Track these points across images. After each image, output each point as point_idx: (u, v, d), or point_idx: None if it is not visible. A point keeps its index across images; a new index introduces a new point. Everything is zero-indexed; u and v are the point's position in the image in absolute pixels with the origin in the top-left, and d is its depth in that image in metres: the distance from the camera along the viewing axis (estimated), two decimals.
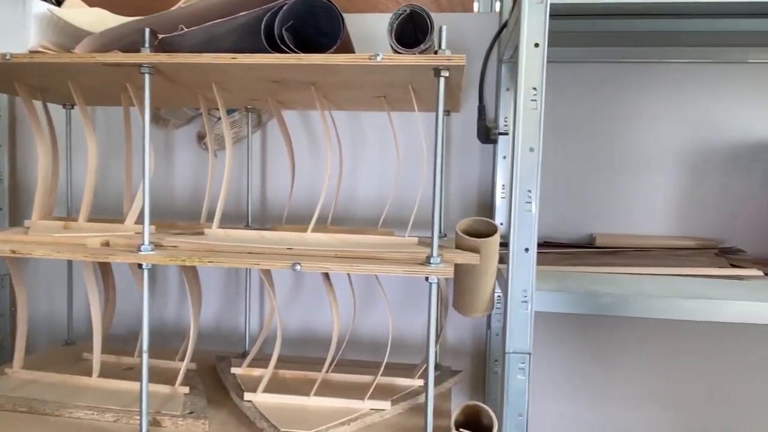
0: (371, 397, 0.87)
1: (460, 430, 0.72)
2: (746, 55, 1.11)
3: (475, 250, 0.77)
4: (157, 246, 0.78)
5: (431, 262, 0.71)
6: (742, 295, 0.83)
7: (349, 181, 1.21)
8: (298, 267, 0.70)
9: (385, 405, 0.87)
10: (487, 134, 1.07)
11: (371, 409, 0.86)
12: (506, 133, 1.07)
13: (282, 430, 0.78)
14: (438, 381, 1.00)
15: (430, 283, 0.71)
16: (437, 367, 1.10)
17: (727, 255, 1.06)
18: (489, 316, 1.19)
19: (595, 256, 1.03)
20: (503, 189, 1.16)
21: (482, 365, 1.24)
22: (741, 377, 1.15)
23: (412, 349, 1.22)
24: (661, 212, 1.16)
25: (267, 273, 0.91)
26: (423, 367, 0.97)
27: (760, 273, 0.94)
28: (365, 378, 0.97)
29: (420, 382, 0.97)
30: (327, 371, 0.96)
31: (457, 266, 0.83)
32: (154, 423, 0.82)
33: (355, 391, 0.89)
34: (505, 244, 0.84)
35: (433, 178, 0.72)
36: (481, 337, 1.24)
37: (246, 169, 1.17)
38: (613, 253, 1.04)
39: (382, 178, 1.20)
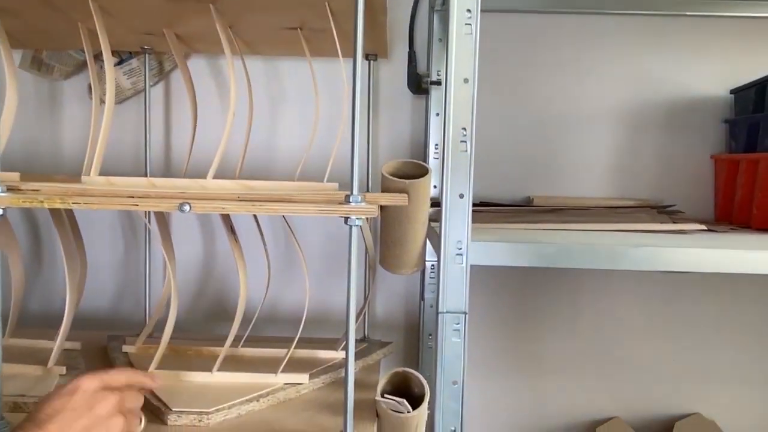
0: (286, 371, 0.75)
1: (386, 396, 0.62)
2: (685, 6, 1.06)
3: (403, 192, 0.67)
4: (13, 189, 0.63)
5: (351, 201, 0.60)
6: (690, 245, 0.77)
7: (267, 136, 1.08)
8: (186, 207, 0.58)
9: (303, 378, 0.75)
10: (418, 83, 0.97)
11: (286, 384, 0.74)
12: (439, 83, 0.98)
13: (174, 409, 0.65)
14: (365, 353, 0.89)
15: (351, 227, 0.60)
16: (365, 339, 1.00)
17: (667, 214, 1.01)
18: (422, 287, 1.10)
19: (534, 214, 0.96)
20: (436, 149, 1.07)
21: (416, 340, 1.14)
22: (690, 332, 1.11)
23: (336, 324, 1.11)
24: (600, 173, 1.10)
25: (165, 235, 0.77)
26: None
27: (704, 227, 0.88)
28: (281, 352, 0.85)
29: (343, 355, 0.86)
30: (236, 345, 0.84)
31: (383, 215, 0.73)
32: (15, 408, 0.67)
33: (269, 367, 0.77)
34: (436, 204, 0.75)
35: (352, 94, 0.61)
36: (414, 310, 1.14)
37: (144, 122, 1.02)
38: (552, 212, 0.97)
39: (304, 133, 1.08)
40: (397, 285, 1.13)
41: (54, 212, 0.75)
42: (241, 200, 0.60)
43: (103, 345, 0.91)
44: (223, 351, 0.74)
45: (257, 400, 0.69)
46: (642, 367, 1.11)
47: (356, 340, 0.93)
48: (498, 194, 1.08)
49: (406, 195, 0.63)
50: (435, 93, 1.03)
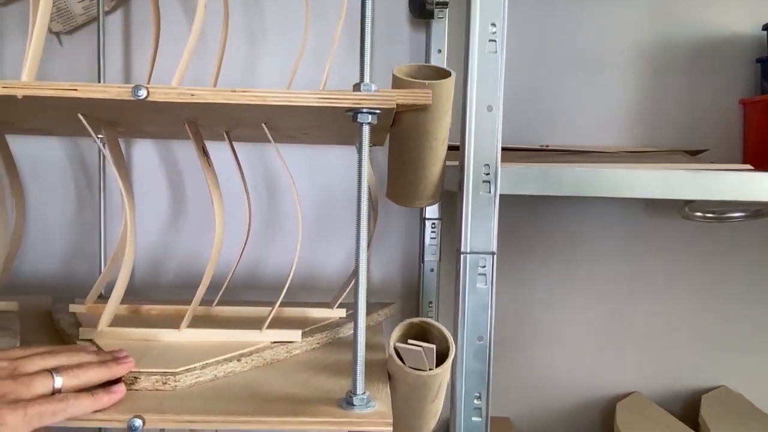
0: (273, 327, 0.61)
1: (411, 342, 0.48)
2: None
3: None
4: None
5: (362, 88, 0.46)
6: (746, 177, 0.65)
7: (244, 76, 0.93)
8: (143, 92, 0.43)
9: (294, 336, 0.61)
10: (422, 4, 0.84)
11: (273, 343, 0.60)
12: (445, 4, 0.85)
13: (130, 370, 0.51)
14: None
15: (361, 124, 0.46)
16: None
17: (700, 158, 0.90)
18: (422, 248, 0.96)
19: (557, 155, 0.84)
20: None
21: (414, 308, 1.00)
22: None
23: (325, 291, 0.97)
24: (618, 121, 0.98)
25: (120, 162, 0.62)
26: (344, 293, 0.72)
27: (750, 167, 0.77)
28: (264, 311, 0.71)
29: (340, 313, 0.72)
30: (209, 305, 0.69)
31: (394, 132, 0.59)
32: None
33: (251, 326, 0.63)
34: (454, 147, 0.62)
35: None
36: (412, 274, 1.01)
37: (98, 55, 0.86)
38: (577, 153, 0.84)
39: (285, 71, 0.93)
40: (394, 246, 1.00)
41: None
42: (217, 91, 0.46)
43: (47, 309, 0.75)
44: (193, 303, 0.60)
45: (238, 360, 0.55)
46: (662, 338, 1.00)
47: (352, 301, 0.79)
48: (507, 143, 0.96)
49: (430, 92, 0.49)
50: (437, 26, 0.90)
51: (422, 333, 0.56)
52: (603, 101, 0.97)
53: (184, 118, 0.57)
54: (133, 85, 0.43)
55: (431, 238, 0.97)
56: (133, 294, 0.62)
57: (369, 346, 0.65)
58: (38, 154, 0.91)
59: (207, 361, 0.54)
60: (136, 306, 0.70)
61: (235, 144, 0.66)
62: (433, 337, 0.56)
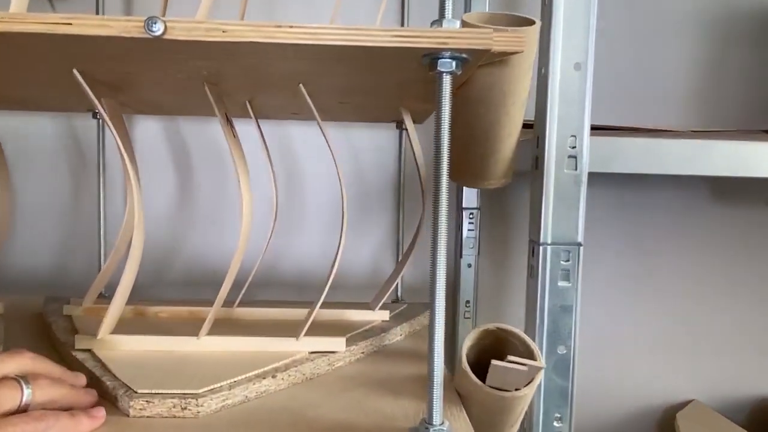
0: (309, 334, 0.50)
1: (510, 360, 0.38)
2: None
3: None
4: None
5: (444, 25, 0.35)
6: None
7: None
8: (158, 27, 0.32)
9: (337, 345, 0.50)
10: None
11: (311, 353, 0.49)
12: None
13: (140, 391, 0.40)
14: (407, 315, 0.65)
15: (442, 74, 0.35)
16: (398, 301, 0.75)
17: None
18: (460, 240, 0.86)
19: (621, 132, 0.73)
20: None
21: (449, 309, 0.89)
22: None
23: (355, 290, 0.86)
24: (676, 98, 0.87)
25: (124, 138, 0.50)
26: (387, 293, 0.61)
27: None
28: (294, 313, 0.60)
29: (382, 316, 0.61)
30: (228, 306, 0.59)
31: (462, 95, 0.48)
32: None
33: (282, 331, 0.52)
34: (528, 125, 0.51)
35: None
36: (447, 270, 0.90)
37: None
38: (640, 131, 0.74)
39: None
40: (426, 238, 0.89)
41: None
42: (258, 26, 0.35)
43: (38, 311, 0.64)
44: (216, 304, 0.49)
45: (272, 376, 0.44)
46: (723, 342, 0.90)
47: (391, 301, 0.69)
48: None
49: (524, 36, 0.38)
50: None
51: (497, 342, 0.46)
52: (657, 76, 0.86)
53: (204, 77, 0.46)
54: (146, 18, 0.32)
55: (469, 230, 0.86)
56: (134, 293, 0.53)
57: (417, 356, 0.55)
58: (26, 133, 0.80)
59: (235, 379, 0.43)
60: (142, 307, 0.59)
61: (247, 125, 0.56)
62: (510, 348, 0.45)
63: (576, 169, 0.49)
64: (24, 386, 0.36)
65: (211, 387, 0.41)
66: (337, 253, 0.50)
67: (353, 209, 0.85)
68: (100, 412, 0.38)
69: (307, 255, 0.85)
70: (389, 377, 0.49)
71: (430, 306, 0.37)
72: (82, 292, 0.63)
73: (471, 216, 0.86)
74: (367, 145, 0.84)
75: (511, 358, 0.36)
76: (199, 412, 0.39)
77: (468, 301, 0.88)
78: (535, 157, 0.51)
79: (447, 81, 0.35)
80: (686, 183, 0.87)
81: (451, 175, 0.58)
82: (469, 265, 0.87)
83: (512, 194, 0.87)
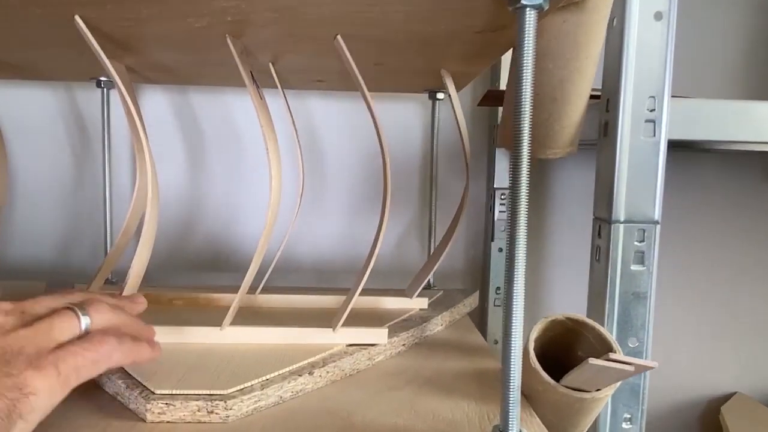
0: (346, 325, 0.44)
1: (611, 358, 0.31)
2: None
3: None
4: None
5: None
6: None
7: None
8: None
9: (378, 336, 0.44)
10: None
11: (349, 346, 0.43)
12: None
13: (158, 392, 0.34)
14: (445, 303, 0.59)
15: (524, 8, 0.29)
16: (430, 287, 0.69)
17: None
18: (491, 223, 0.79)
19: None
20: None
21: (479, 297, 0.84)
22: None
23: (381, 276, 0.80)
24: (731, 71, 0.80)
25: (133, 101, 0.44)
26: (425, 280, 0.55)
27: None
28: (324, 301, 0.54)
29: (420, 304, 0.55)
30: (250, 292, 0.53)
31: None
32: None
33: (313, 321, 0.46)
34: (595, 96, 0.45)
35: None
36: (476, 255, 0.84)
37: None
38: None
39: None
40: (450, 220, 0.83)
41: None
42: None
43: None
44: (241, 289, 0.43)
45: (309, 373, 0.38)
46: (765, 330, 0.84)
47: (423, 288, 0.62)
48: None
49: None
50: None
51: (566, 334, 0.40)
52: (710, 47, 0.79)
53: (227, 26, 0.39)
54: None
55: (500, 211, 0.80)
56: (143, 278, 0.48)
57: (463, 349, 0.49)
58: (25, 106, 0.73)
59: (268, 376, 0.37)
60: (155, 293, 0.53)
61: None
62: (583, 342, 0.39)
63: (654, 135, 0.42)
64: (80, 314, 0.32)
65: (241, 386, 0.35)
66: (378, 235, 0.43)
67: (376, 189, 0.79)
68: (157, 345, 0.36)
69: (326, 237, 0.79)
70: (437, 373, 0.43)
71: (506, 305, 0.30)
72: (85, 277, 0.57)
73: (503, 196, 0.80)
74: (394, 120, 0.78)
75: (612, 356, 0.30)
76: (228, 416, 0.33)
77: (499, 288, 0.82)
78: (605, 123, 0.44)
79: (532, 18, 0.29)
80: (736, 160, 0.80)
81: (504, 142, 0.52)
82: (501, 250, 0.80)
83: (550, 172, 0.81)
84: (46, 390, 0.27)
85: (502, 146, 0.53)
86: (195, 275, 0.77)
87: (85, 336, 0.32)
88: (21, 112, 0.73)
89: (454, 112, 0.52)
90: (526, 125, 0.29)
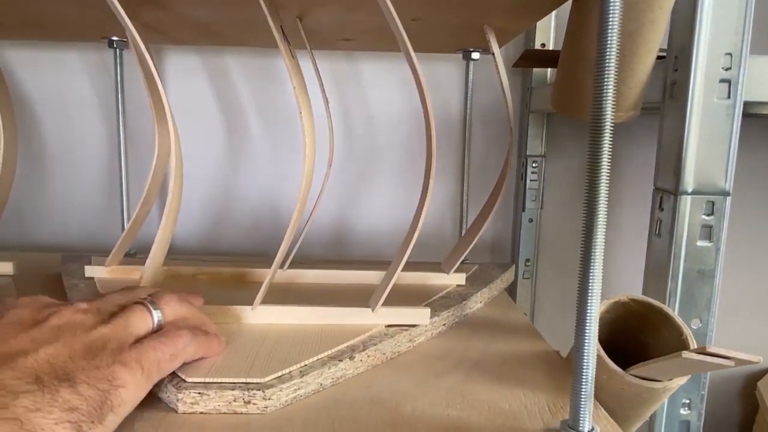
0: (386, 304, 0.41)
1: (711, 352, 0.28)
2: None
3: None
4: None
5: None
6: None
7: None
8: None
9: (420, 317, 0.41)
10: None
11: (389, 327, 0.40)
12: None
13: (190, 380, 0.31)
14: (483, 278, 0.55)
15: None
16: (464, 261, 0.66)
17: None
18: (523, 192, 0.76)
19: None
20: None
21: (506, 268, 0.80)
22: None
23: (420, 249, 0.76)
24: None
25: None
26: (462, 255, 0.52)
27: None
28: (352, 275, 0.51)
29: (458, 280, 0.52)
30: (283, 264, 0.49)
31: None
32: None
33: (347, 299, 0.43)
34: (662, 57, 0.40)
35: None
36: (505, 226, 0.81)
37: None
38: None
39: None
40: (483, 190, 0.79)
41: None
42: None
43: (55, 270, 0.56)
44: (274, 265, 0.39)
45: (350, 357, 0.35)
46: None
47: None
48: None
49: None
50: None
51: (627, 317, 0.36)
52: None
53: None
54: None
55: (532, 180, 0.76)
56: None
57: (511, 329, 0.46)
58: (36, 66, 0.70)
59: (306, 362, 0.34)
60: (174, 268, 0.50)
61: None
62: (649, 325, 0.36)
63: (729, 97, 0.38)
64: (152, 308, 0.32)
65: (279, 374, 0.32)
66: (421, 209, 0.40)
67: (406, 156, 0.75)
68: (224, 339, 0.36)
69: (344, 207, 0.76)
70: (483, 357, 0.39)
71: (581, 288, 0.27)
72: (103, 249, 0.54)
73: (535, 164, 0.76)
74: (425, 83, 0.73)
75: (710, 349, 0.27)
76: (266, 407, 0.31)
77: (528, 260, 0.79)
78: (672, 83, 0.40)
79: None
80: None
81: (558, 104, 0.47)
82: (531, 220, 0.77)
83: (581, 138, 0.76)
84: (133, 384, 0.28)
85: (556, 110, 0.48)
86: (213, 244, 0.75)
87: (159, 330, 0.32)
88: (33, 71, 0.70)
89: (498, 71, 0.48)
90: (609, 88, 0.25)
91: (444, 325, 0.44)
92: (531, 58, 0.66)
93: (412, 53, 0.37)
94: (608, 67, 0.25)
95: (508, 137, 0.50)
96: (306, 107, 0.39)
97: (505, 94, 0.48)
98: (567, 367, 0.38)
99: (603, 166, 0.26)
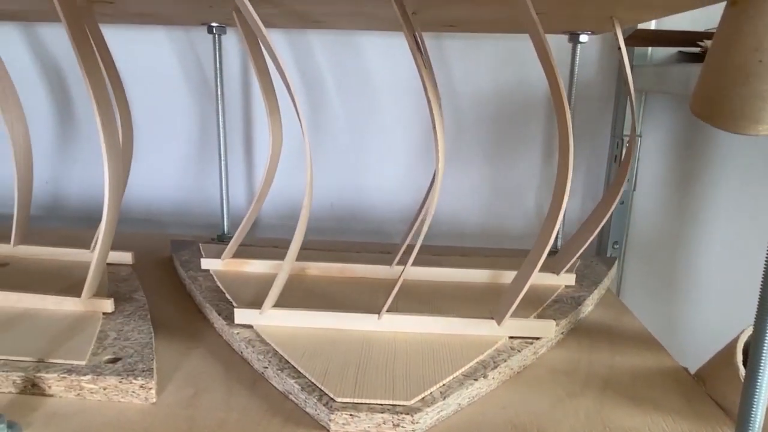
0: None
1: None
2: None
3: None
4: None
5: None
6: None
7: None
8: None
9: (547, 329, 0.41)
10: None
11: (512, 338, 0.40)
12: None
13: (339, 400, 0.32)
14: (590, 277, 0.54)
15: None
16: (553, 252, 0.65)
17: None
18: (611, 164, 0.73)
19: None
20: None
21: (592, 251, 0.79)
22: None
23: (459, 237, 0.76)
24: None
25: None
26: (579, 252, 0.50)
27: None
28: (472, 274, 0.51)
29: (568, 280, 0.51)
30: (388, 261, 0.50)
31: None
32: (25, 389, 0.34)
33: (465, 302, 0.43)
34: None
35: None
36: (592, 206, 0.78)
37: None
38: None
39: None
40: (592, 173, 0.77)
41: (82, 48, 0.38)
42: None
43: (164, 254, 0.58)
44: (401, 275, 0.39)
45: (483, 376, 0.35)
46: None
47: (551, 252, 0.58)
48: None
49: None
50: None
51: None
52: None
53: None
54: None
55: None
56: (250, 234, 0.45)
57: (630, 338, 0.45)
58: (141, 49, 0.71)
59: (444, 381, 0.34)
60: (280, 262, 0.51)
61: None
62: None
63: None
64: None
65: (422, 396, 0.33)
66: (558, 210, 0.39)
67: (496, 137, 0.73)
68: None
69: (388, 193, 0.74)
70: (611, 373, 0.39)
71: (760, 314, 0.26)
72: (202, 226, 0.55)
73: (628, 144, 0.73)
74: (515, 60, 0.70)
75: None
76: (414, 430, 0.31)
77: (616, 242, 0.76)
78: None
79: None
80: None
81: (700, 112, 0.45)
82: (622, 202, 0.74)
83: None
84: None
85: (698, 117, 0.45)
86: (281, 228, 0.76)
87: None
88: (139, 54, 0.70)
89: (622, 61, 0.45)
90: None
91: (562, 333, 0.44)
92: (641, 38, 0.63)
93: (545, 38, 0.35)
94: None
95: (630, 135, 0.47)
96: (434, 96, 0.38)
97: (629, 83, 0.45)
98: (700, 389, 0.38)
99: None
